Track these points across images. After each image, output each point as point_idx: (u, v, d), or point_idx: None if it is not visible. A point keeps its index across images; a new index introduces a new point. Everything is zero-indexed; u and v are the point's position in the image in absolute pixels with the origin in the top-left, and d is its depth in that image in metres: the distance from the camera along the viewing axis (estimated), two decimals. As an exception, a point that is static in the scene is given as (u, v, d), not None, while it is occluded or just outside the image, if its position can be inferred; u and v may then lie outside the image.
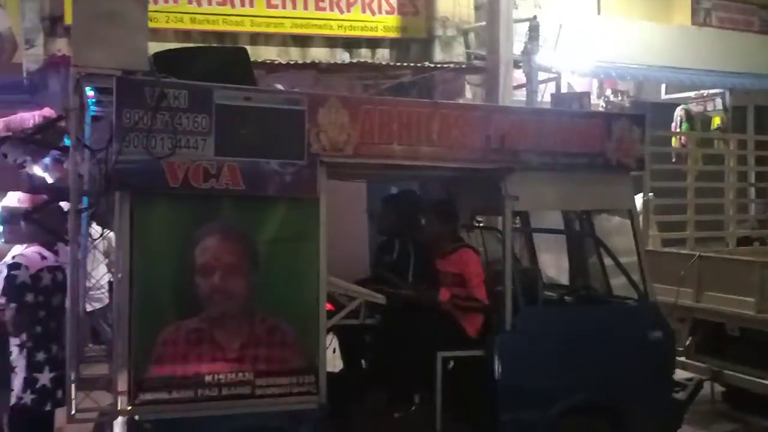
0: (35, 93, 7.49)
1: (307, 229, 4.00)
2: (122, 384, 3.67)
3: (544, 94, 9.29)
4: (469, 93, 9.90)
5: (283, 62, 8.61)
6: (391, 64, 9.23)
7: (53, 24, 7.89)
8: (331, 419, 3.99)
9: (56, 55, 7.60)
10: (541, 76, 9.30)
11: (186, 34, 8.41)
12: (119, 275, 3.72)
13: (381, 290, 4.42)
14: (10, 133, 3.91)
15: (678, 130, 11.54)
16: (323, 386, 3.95)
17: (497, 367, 4.30)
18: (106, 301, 5.52)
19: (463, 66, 9.59)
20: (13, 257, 3.89)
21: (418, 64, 9.27)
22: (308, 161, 3.97)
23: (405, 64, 9.26)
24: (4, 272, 3.82)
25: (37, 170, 4.13)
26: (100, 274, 5.10)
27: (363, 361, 5.12)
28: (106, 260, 5.38)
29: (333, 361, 4.65)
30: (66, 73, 6.94)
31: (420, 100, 6.42)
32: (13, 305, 3.79)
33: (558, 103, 6.16)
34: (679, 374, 5.38)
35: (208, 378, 3.76)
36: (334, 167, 4.08)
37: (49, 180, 4.21)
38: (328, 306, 4.12)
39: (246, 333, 3.83)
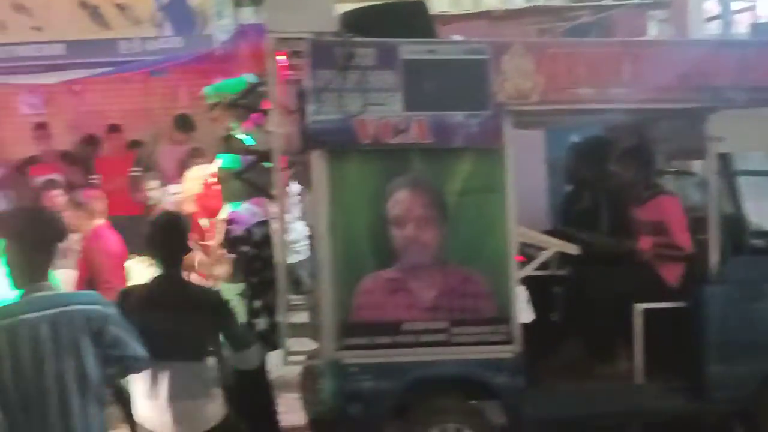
0: (226, 62, 8.00)
1: (494, 180, 3.99)
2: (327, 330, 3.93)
3: (739, 26, 8.49)
4: (653, 30, 9.27)
5: (456, 13, 8.53)
6: (569, 5, 8.84)
7: (241, -5, 8.37)
8: (525, 369, 4.02)
9: (244, 24, 8.05)
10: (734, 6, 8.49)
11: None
12: (320, 229, 3.94)
13: (573, 240, 4.33)
14: (218, 99, 4.23)
15: None
16: (517, 336, 3.98)
17: (704, 318, 4.09)
18: (305, 253, 5.86)
19: (647, 1, 8.97)
20: (229, 213, 4.24)
21: (597, 4, 8.81)
22: (493, 111, 3.94)
23: (583, 4, 8.83)
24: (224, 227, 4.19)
25: (241, 133, 4.44)
26: (298, 228, 5.43)
27: (552, 313, 5.07)
28: (303, 215, 5.70)
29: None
30: (254, 40, 7.36)
31: (608, 39, 6.11)
32: (231, 256, 4.16)
33: (759, 34, 5.61)
34: None
35: (406, 325, 3.92)
36: (519, 116, 4.03)
37: (253, 142, 4.53)
38: (518, 257, 4.11)
39: (440, 283, 3.94)
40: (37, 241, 2.79)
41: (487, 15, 8.61)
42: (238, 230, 4.19)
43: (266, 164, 4.09)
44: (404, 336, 3.93)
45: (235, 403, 4.46)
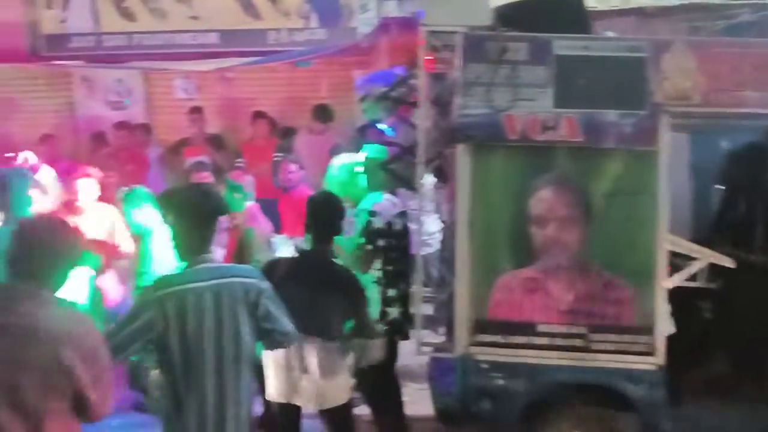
0: (369, 54, 8.14)
1: (645, 184, 3.84)
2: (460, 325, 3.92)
3: None
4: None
5: (604, 9, 8.22)
6: (728, 2, 8.30)
7: (385, -12, 8.47)
8: (666, 382, 3.84)
9: (388, 18, 8.15)
10: None
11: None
12: (459, 223, 3.93)
13: (728, 252, 4.07)
14: (369, 92, 4.31)
15: None
16: (660, 347, 3.80)
17: None
18: (435, 246, 5.88)
19: (817, -2, 8.27)
20: (371, 204, 4.31)
21: (758, 1, 8.21)
22: (649, 111, 3.78)
23: (742, 2, 8.26)
24: (364, 217, 4.25)
25: (385, 125, 4.51)
26: (430, 221, 5.45)
27: (696, 327, 4.80)
28: (437, 208, 5.72)
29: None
30: (396, 34, 7.44)
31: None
32: (369, 247, 4.23)
33: None
34: None
35: (542, 327, 3.84)
36: (677, 117, 3.83)
37: (396, 134, 4.60)
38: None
39: (580, 286, 3.83)
40: (200, 216, 3.00)
41: (637, 11, 8.24)
42: (379, 222, 4.24)
43: (410, 156, 4.14)
44: (539, 337, 3.86)
45: (363, 389, 4.58)
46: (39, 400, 2.44)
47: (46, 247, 2.54)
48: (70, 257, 2.61)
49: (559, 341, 3.84)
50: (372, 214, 4.26)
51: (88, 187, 4.94)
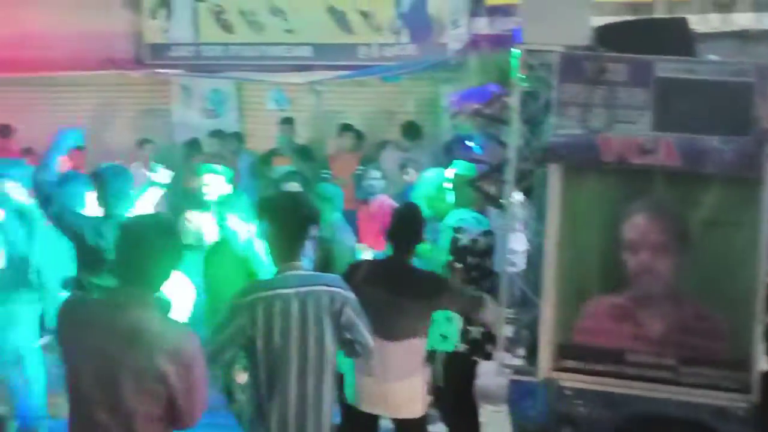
0: (458, 71, 8.15)
1: (746, 213, 3.66)
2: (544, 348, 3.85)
3: None
4: None
5: (704, 31, 7.96)
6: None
7: (476, 5, 8.47)
8: (760, 421, 3.65)
9: (478, 34, 8.15)
10: None
11: (598, 6, 8.31)
12: (548, 245, 3.86)
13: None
14: (462, 108, 4.32)
15: None
16: (756, 385, 3.62)
17: None
18: (520, 266, 5.79)
19: None
20: (457, 221, 4.32)
21: None
22: (754, 138, 3.62)
23: None
24: (449, 234, 4.27)
25: (473, 143, 4.50)
26: (515, 240, 5.37)
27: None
28: (523, 228, 5.64)
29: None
30: (487, 51, 7.44)
31: None
32: (458, 265, 4.22)
33: None
34: None
35: (630, 356, 3.72)
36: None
37: (484, 152, 4.58)
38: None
39: (671, 316, 3.69)
40: (293, 223, 3.07)
41: (739, 35, 7.95)
42: (465, 239, 4.24)
43: (498, 174, 4.11)
44: (626, 367, 3.74)
45: (441, 407, 4.56)
46: (133, 403, 2.53)
47: (150, 246, 2.62)
48: (174, 257, 2.70)
49: (647, 372, 3.71)
50: (457, 230, 4.26)
51: None
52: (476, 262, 4.28)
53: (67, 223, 4.26)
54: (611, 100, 3.67)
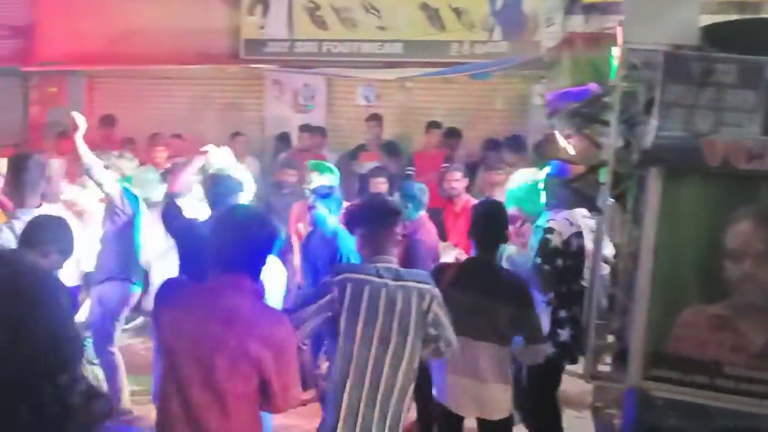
0: (551, 69, 8.01)
1: None
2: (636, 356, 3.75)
3: None
4: None
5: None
6: None
7: (571, 2, 8.30)
8: None
9: (573, 32, 7.98)
10: None
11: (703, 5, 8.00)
12: (644, 250, 3.75)
13: None
14: (562, 106, 4.24)
15: None
16: None
17: None
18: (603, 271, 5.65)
19: None
20: (548, 221, 4.24)
21: None
22: None
23: None
24: (539, 234, 4.20)
25: (562, 140, 4.42)
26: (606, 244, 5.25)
27: None
28: (614, 231, 5.50)
29: None
30: (582, 49, 7.26)
31: None
32: (546, 267, 4.15)
33: None
34: None
35: (727, 368, 3.58)
36: None
37: (571, 152, 4.48)
38: None
39: (775, 329, 3.53)
40: (382, 225, 3.24)
41: None
42: (556, 240, 4.16)
43: (593, 176, 4.02)
44: (723, 379, 3.59)
45: (523, 407, 4.51)
46: (227, 383, 2.63)
47: (245, 235, 2.72)
48: (267, 246, 2.78)
49: (746, 386, 3.56)
50: (548, 231, 4.19)
51: None
52: (567, 264, 4.20)
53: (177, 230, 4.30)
54: (718, 102, 3.53)
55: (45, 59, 9.53)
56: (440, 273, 3.78)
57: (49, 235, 3.32)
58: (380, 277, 3.06)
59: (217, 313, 2.65)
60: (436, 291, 3.16)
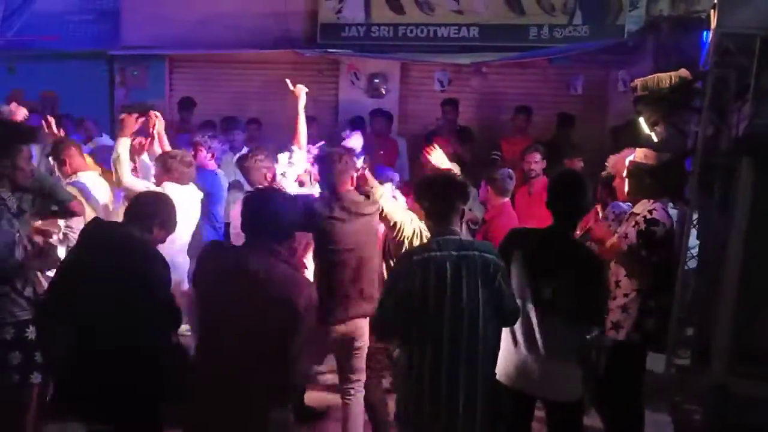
0: (633, 53, 7.79)
1: None
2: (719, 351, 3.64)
3: None
4: None
5: None
6: None
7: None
8: None
9: (657, 16, 7.73)
10: None
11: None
12: (733, 241, 3.63)
13: None
14: (646, 93, 4.11)
15: None
16: None
17: None
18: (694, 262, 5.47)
19: None
20: (650, 211, 4.04)
21: None
22: None
23: None
24: (642, 226, 3.99)
25: (646, 127, 4.28)
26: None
27: None
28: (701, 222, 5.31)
29: None
30: (667, 33, 7.04)
31: None
32: (653, 259, 3.97)
33: None
34: None
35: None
36: None
37: (655, 139, 4.32)
38: None
39: None
40: (448, 199, 3.32)
41: None
42: (660, 231, 3.97)
43: (680, 164, 3.90)
44: (814, 378, 3.46)
45: (601, 397, 4.40)
46: (249, 340, 2.88)
47: (272, 214, 3.03)
48: (291, 223, 3.11)
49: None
50: (653, 223, 3.93)
51: None
52: (663, 255, 4.01)
53: None
54: (818, 89, 3.37)
55: (129, 43, 9.83)
56: (516, 238, 3.69)
57: (152, 210, 3.46)
58: (444, 250, 3.16)
59: (247, 275, 2.91)
60: (501, 262, 3.25)
